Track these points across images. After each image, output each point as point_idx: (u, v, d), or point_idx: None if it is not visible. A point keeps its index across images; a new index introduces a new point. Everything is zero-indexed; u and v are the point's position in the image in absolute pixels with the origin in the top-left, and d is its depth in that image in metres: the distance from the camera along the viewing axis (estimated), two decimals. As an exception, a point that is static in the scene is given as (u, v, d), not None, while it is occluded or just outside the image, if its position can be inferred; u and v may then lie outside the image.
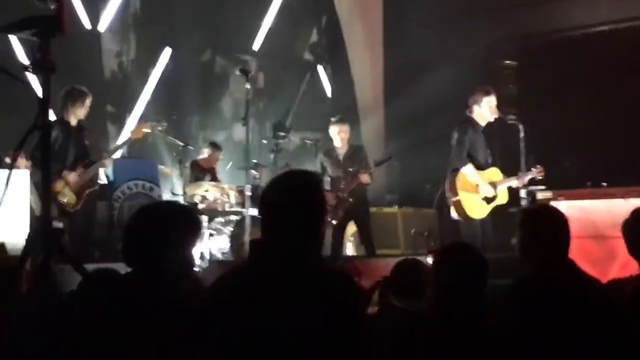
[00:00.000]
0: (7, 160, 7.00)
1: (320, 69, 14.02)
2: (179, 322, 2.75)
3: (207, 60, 12.73)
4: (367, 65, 13.25)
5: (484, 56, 12.21)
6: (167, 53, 11.83)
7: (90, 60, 10.70)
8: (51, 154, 7.05)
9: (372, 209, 9.83)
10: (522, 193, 7.80)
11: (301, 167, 9.57)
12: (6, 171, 5.81)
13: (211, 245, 8.86)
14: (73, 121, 8.05)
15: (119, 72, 11.47)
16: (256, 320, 2.62)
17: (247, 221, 8.15)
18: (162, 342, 2.75)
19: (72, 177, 7.88)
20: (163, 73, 11.84)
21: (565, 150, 11.17)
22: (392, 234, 10.64)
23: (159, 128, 9.05)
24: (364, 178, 8.80)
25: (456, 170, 7.91)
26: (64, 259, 4.30)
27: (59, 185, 7.77)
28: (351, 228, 9.69)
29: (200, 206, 9.28)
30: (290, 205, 2.81)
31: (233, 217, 9.41)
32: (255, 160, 9.68)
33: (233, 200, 9.68)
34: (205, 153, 10.31)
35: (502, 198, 7.98)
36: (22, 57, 8.94)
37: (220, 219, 9.34)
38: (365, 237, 9.17)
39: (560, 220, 3.76)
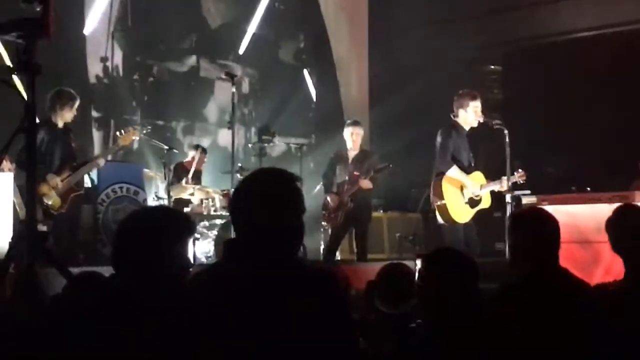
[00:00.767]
0: (-9, 163, 6.96)
1: (305, 73, 14.02)
2: (164, 325, 2.74)
3: (192, 65, 12.70)
4: (352, 69, 13.27)
5: (469, 61, 12.26)
6: (153, 57, 11.82)
7: (75, 64, 10.64)
8: (37, 157, 7.09)
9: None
10: (508, 198, 7.82)
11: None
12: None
13: (196, 249, 8.84)
14: (60, 123, 8.01)
15: (104, 76, 11.42)
16: (228, 319, 2.62)
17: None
18: (148, 345, 2.74)
19: (57, 180, 7.84)
20: (148, 78, 11.83)
21: (550, 155, 11.22)
22: (377, 238, 10.65)
23: (144, 131, 9.05)
24: (364, 183, 8.79)
25: (441, 174, 7.92)
26: (48, 262, 4.28)
27: (44, 188, 7.73)
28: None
29: (185, 210, 9.26)
30: (256, 201, 2.80)
31: (218, 221, 9.42)
32: (240, 164, 9.68)
33: (218, 204, 9.69)
34: (190, 156, 10.35)
35: (486, 202, 8.00)
36: (7, 60, 8.88)
37: (205, 223, 9.35)
38: (360, 242, 9.12)
39: (552, 223, 3.78)
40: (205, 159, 10.42)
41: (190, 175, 9.89)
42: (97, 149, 10.73)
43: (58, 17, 3.91)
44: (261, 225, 2.76)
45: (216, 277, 2.78)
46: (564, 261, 3.80)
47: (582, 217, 6.94)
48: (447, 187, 7.87)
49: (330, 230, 9.21)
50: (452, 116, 8.04)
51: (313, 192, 10.69)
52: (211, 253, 9.17)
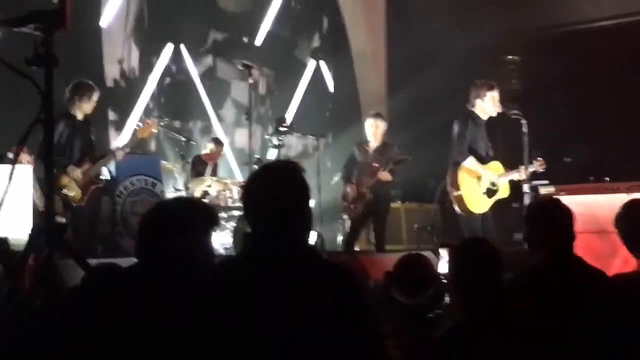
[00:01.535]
0: (10, 155, 7.00)
1: (322, 64, 14.00)
2: (192, 313, 2.76)
3: (209, 66, 12.69)
4: (369, 58, 13.23)
5: (488, 50, 12.19)
6: (168, 51, 11.83)
7: (91, 57, 10.66)
8: (57, 149, 7.13)
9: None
10: (525, 188, 7.79)
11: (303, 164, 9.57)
12: (9, 166, 5.83)
13: (213, 241, 8.84)
14: (79, 115, 8.03)
15: (121, 70, 11.43)
16: (243, 310, 2.65)
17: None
18: (167, 335, 2.75)
19: (77, 171, 7.88)
20: (165, 73, 11.86)
21: (568, 145, 11.14)
22: (395, 229, 10.62)
23: (161, 123, 9.08)
24: (383, 175, 8.79)
25: (457, 164, 7.90)
26: (67, 254, 4.30)
27: (65, 179, 7.78)
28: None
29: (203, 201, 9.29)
30: (261, 192, 2.85)
31: (236, 212, 9.42)
32: (257, 156, 9.70)
33: (235, 195, 9.70)
34: (208, 148, 10.48)
35: (504, 192, 7.97)
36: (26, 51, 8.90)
37: (222, 214, 9.35)
38: (378, 233, 9.16)
39: (568, 214, 3.78)
40: (222, 152, 10.48)
41: (210, 168, 9.99)
42: (112, 142, 10.75)
43: (75, 9, 3.92)
44: (272, 217, 2.79)
45: (240, 268, 2.81)
46: (581, 251, 3.80)
47: (601, 207, 6.91)
48: (463, 178, 7.85)
49: (349, 222, 9.23)
50: (468, 106, 8.01)
51: (331, 184, 10.68)
52: (229, 245, 9.18)
